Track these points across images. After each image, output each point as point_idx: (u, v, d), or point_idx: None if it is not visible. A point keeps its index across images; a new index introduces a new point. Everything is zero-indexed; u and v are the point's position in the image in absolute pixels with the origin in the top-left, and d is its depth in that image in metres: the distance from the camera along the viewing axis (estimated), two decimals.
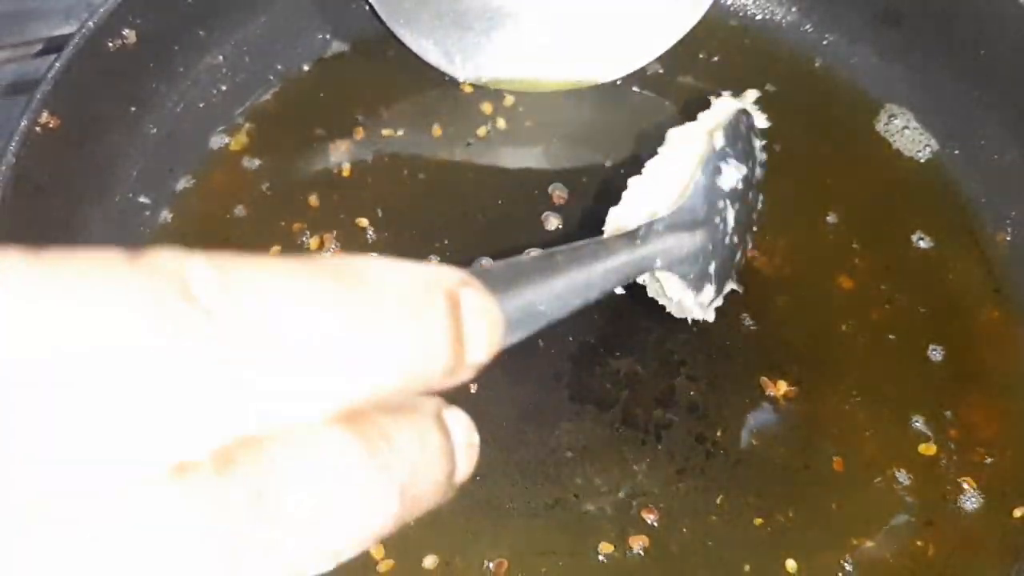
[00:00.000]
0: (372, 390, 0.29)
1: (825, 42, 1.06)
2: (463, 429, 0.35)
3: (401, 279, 0.30)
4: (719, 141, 0.79)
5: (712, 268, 0.80)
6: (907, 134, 1.02)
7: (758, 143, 0.88)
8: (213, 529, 0.26)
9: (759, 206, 0.89)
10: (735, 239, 0.83)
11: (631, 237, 0.67)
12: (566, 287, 0.45)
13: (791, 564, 0.81)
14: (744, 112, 0.85)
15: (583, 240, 0.54)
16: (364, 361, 0.28)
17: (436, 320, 0.31)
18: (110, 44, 0.86)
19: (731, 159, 0.80)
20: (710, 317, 0.84)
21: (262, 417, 0.28)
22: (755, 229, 0.89)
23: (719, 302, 0.85)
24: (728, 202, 0.79)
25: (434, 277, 0.32)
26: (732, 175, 0.80)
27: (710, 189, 0.77)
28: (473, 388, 0.86)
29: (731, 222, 0.81)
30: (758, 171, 0.87)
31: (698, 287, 0.79)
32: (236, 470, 0.27)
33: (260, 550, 0.27)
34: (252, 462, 0.27)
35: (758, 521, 0.83)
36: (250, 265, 0.29)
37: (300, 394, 0.27)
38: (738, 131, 0.82)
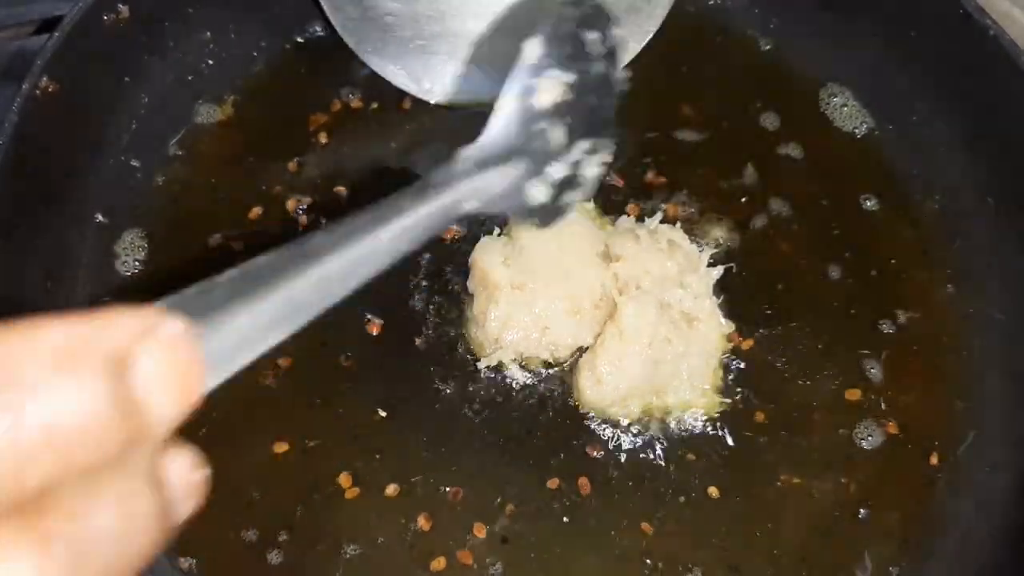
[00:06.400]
0: (22, 455, 0.26)
1: (771, 25, 1.13)
2: (183, 472, 0.34)
3: (56, 339, 0.28)
4: (534, 52, 0.69)
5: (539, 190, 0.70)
6: (846, 111, 1.10)
7: (594, 34, 0.75)
8: None
9: (612, 101, 0.78)
10: (573, 151, 0.73)
11: (421, 189, 0.56)
12: (311, 285, 0.42)
13: (713, 492, 0.90)
14: (572, 3, 0.73)
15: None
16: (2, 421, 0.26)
17: (88, 386, 0.28)
18: (105, 18, 0.93)
19: (550, 70, 0.70)
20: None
21: None
22: (614, 137, 0.78)
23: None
24: (549, 120, 0.70)
25: (97, 335, 0.29)
26: (552, 89, 0.70)
27: (522, 113, 0.68)
28: (423, 337, 0.95)
29: (560, 138, 0.71)
30: (598, 66, 0.75)
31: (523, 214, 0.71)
32: None
33: None
34: None
35: (691, 457, 0.91)
36: None
37: None
38: (562, 32, 0.71)
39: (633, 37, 1.06)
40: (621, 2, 1.04)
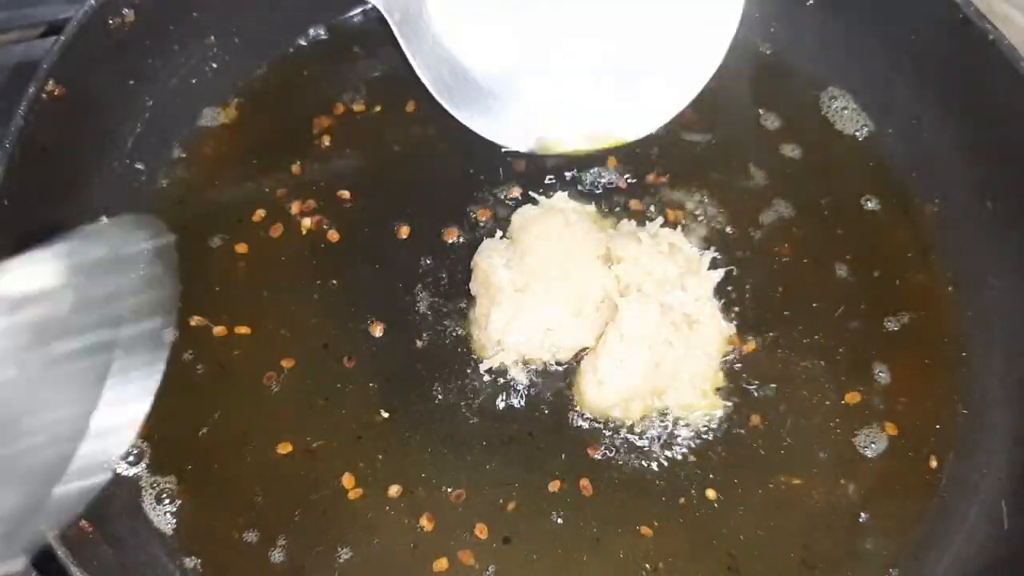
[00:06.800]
0: None
1: (772, 29, 1.14)
2: None
3: None
4: None
5: None
6: (846, 115, 1.11)
7: None
8: None
9: None
10: None
11: None
12: None
13: (713, 494, 0.90)
14: None
15: None
16: None
17: None
18: (111, 21, 0.94)
19: None
20: None
21: None
22: None
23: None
24: None
25: None
26: None
27: None
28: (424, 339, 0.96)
29: None
30: None
31: None
32: None
33: None
34: None
35: (692, 459, 0.92)
36: None
37: None
38: None
39: (685, 86, 1.06)
40: (671, 53, 1.05)
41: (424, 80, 1.02)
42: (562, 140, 1.05)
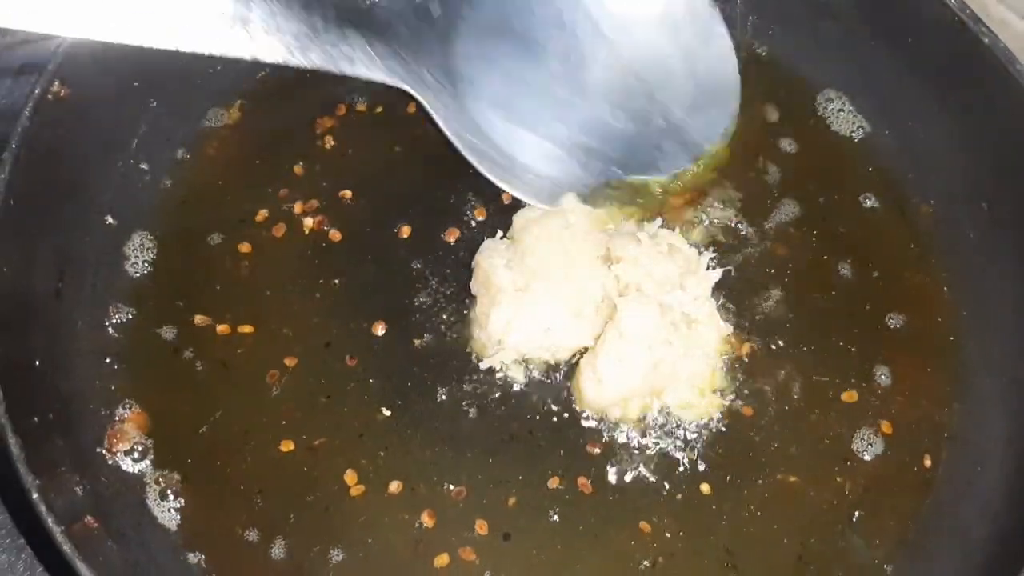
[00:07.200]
0: None
1: (770, 31, 1.15)
2: None
3: None
4: None
5: None
6: (843, 116, 1.12)
7: None
8: None
9: None
10: None
11: None
12: None
13: (711, 491, 0.91)
14: None
15: None
16: None
17: None
18: None
19: None
20: None
21: None
22: None
23: None
24: None
25: None
26: None
27: None
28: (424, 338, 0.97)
29: None
30: None
31: None
32: None
33: None
34: None
35: (690, 458, 0.93)
36: None
37: None
38: None
39: (709, 136, 1.09)
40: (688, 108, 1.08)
41: (456, 144, 1.02)
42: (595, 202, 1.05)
